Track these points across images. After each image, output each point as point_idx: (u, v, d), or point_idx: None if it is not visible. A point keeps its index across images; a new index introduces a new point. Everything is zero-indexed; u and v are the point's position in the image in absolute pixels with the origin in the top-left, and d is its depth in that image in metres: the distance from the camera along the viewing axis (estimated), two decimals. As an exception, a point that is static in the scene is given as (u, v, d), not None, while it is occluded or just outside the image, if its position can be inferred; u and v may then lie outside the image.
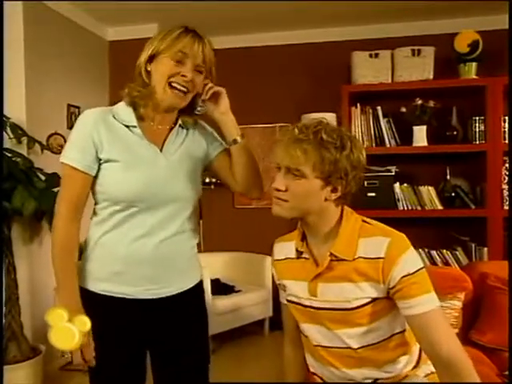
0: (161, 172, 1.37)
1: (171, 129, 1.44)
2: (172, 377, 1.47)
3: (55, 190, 2.83)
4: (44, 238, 3.05)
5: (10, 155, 2.66)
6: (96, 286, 1.37)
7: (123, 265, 1.35)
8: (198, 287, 1.51)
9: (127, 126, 1.38)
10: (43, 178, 2.79)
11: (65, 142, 3.26)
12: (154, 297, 1.39)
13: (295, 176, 1.20)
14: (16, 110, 2.89)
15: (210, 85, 1.42)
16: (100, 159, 1.34)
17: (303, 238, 1.32)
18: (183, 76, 1.34)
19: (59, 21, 3.32)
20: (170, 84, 1.34)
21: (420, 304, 1.15)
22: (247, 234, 4.06)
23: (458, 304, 2.09)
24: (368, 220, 1.28)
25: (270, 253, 3.91)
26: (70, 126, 3.40)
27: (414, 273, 1.17)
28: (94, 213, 1.41)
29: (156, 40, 1.37)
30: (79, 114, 3.49)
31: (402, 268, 1.16)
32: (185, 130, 1.47)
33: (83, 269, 1.40)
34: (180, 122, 1.45)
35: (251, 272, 3.77)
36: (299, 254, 1.32)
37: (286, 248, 1.38)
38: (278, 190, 1.22)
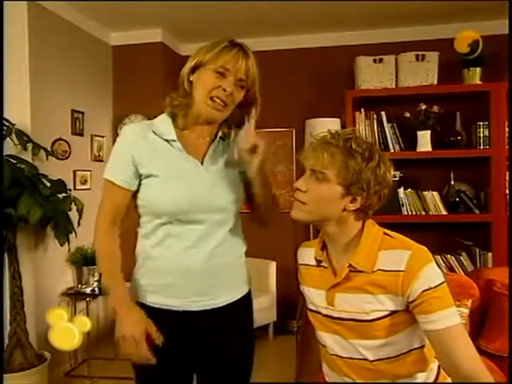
0: (201, 184, 1.37)
1: (212, 141, 1.44)
2: None
3: (60, 196, 2.84)
4: (49, 245, 3.05)
5: (14, 162, 2.65)
6: (146, 298, 1.40)
7: (172, 278, 1.37)
8: (246, 298, 1.50)
9: (167, 141, 1.39)
10: (48, 184, 2.78)
11: (69, 147, 3.30)
12: (201, 309, 1.38)
13: (318, 179, 1.20)
14: (21, 116, 2.89)
15: (252, 133, 1.37)
16: (141, 175, 1.37)
17: (323, 247, 1.32)
18: (224, 90, 1.34)
19: (62, 26, 3.32)
20: (211, 97, 1.35)
21: (440, 319, 1.14)
22: (251, 240, 4.01)
23: (466, 311, 2.09)
24: (389, 232, 1.27)
25: (274, 258, 3.91)
26: (74, 132, 3.41)
27: (435, 287, 1.15)
28: (139, 226, 1.44)
29: (201, 52, 1.37)
30: (83, 119, 3.49)
31: (423, 282, 1.15)
32: (226, 142, 1.47)
33: (134, 281, 1.44)
34: (220, 133, 1.45)
35: (256, 277, 3.73)
36: (318, 262, 1.32)
37: (307, 254, 1.38)
38: (299, 190, 1.23)
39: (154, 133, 1.40)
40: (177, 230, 1.36)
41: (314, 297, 1.32)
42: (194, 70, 1.39)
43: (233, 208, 1.42)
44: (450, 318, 1.15)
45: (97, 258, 1.42)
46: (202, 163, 1.40)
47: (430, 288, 1.15)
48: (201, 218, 1.36)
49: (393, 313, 1.20)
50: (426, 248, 1.21)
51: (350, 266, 1.22)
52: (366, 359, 1.25)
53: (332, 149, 1.19)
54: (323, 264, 1.31)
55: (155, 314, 1.38)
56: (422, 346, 1.28)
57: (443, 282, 1.17)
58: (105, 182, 1.41)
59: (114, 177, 1.38)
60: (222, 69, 1.33)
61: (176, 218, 1.35)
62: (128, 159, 1.36)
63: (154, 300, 1.39)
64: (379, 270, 1.20)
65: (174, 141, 1.39)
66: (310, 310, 1.36)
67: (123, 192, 1.38)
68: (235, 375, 1.49)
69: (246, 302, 1.50)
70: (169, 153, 1.38)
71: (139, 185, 1.39)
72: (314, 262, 1.34)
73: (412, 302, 1.17)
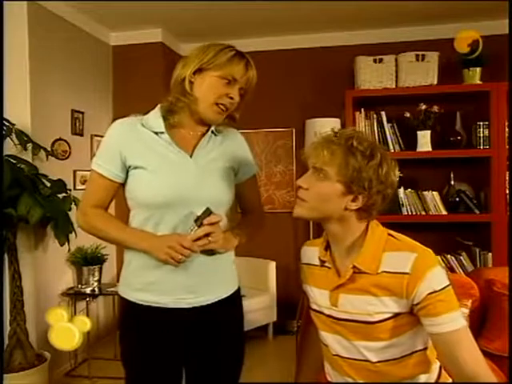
0: (190, 177, 1.37)
1: (203, 135, 1.45)
2: None
3: (60, 196, 2.84)
4: (49, 245, 3.05)
5: (14, 162, 2.65)
6: (134, 295, 1.40)
7: (158, 274, 1.36)
8: (235, 295, 1.49)
9: (156, 133, 1.40)
10: (48, 184, 2.78)
11: (69, 147, 3.30)
12: (190, 306, 1.38)
13: (319, 176, 1.21)
14: (21, 117, 2.89)
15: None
16: (129, 166, 1.38)
17: (327, 247, 1.31)
18: (231, 98, 1.38)
19: (63, 26, 3.32)
20: (216, 103, 1.38)
21: (446, 322, 1.13)
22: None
23: (466, 311, 2.09)
24: (394, 234, 1.27)
25: (274, 258, 3.91)
26: (75, 132, 3.41)
27: (440, 290, 1.14)
28: (128, 220, 1.44)
29: (204, 55, 1.38)
30: (83, 119, 3.49)
31: (428, 285, 1.14)
32: (218, 137, 1.48)
33: (123, 278, 1.45)
34: (212, 128, 1.46)
35: (256, 277, 3.76)
36: (322, 262, 1.32)
37: (310, 253, 1.37)
38: (301, 188, 1.24)
39: (143, 126, 1.41)
40: (164, 225, 1.36)
41: (317, 296, 1.32)
42: (194, 71, 1.39)
43: (223, 202, 1.42)
44: (456, 321, 1.14)
45: (95, 231, 1.41)
46: (191, 156, 1.40)
47: (435, 291, 1.14)
48: (190, 212, 1.35)
49: (396, 315, 1.19)
50: (430, 250, 1.20)
51: (354, 267, 1.21)
52: (368, 361, 1.24)
53: (333, 146, 1.19)
54: (327, 264, 1.30)
55: (145, 313, 1.38)
56: (425, 348, 1.27)
57: (448, 285, 1.16)
58: (91, 173, 1.42)
59: (101, 168, 1.39)
60: (231, 77, 1.37)
61: (163, 211, 1.35)
62: (116, 152, 1.38)
63: (143, 298, 1.38)
64: (384, 271, 1.19)
65: (163, 133, 1.39)
66: (313, 309, 1.36)
67: (109, 184, 1.39)
68: (224, 372, 1.49)
69: (234, 299, 1.49)
70: (157, 145, 1.39)
71: (127, 177, 1.39)
72: (317, 262, 1.33)
73: (417, 304, 1.16)
